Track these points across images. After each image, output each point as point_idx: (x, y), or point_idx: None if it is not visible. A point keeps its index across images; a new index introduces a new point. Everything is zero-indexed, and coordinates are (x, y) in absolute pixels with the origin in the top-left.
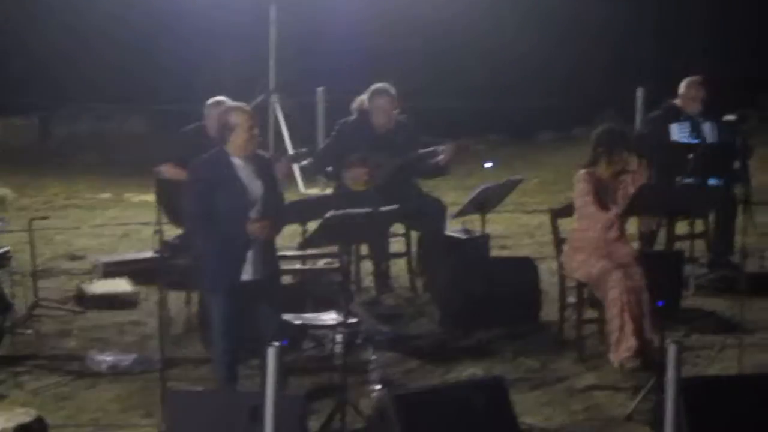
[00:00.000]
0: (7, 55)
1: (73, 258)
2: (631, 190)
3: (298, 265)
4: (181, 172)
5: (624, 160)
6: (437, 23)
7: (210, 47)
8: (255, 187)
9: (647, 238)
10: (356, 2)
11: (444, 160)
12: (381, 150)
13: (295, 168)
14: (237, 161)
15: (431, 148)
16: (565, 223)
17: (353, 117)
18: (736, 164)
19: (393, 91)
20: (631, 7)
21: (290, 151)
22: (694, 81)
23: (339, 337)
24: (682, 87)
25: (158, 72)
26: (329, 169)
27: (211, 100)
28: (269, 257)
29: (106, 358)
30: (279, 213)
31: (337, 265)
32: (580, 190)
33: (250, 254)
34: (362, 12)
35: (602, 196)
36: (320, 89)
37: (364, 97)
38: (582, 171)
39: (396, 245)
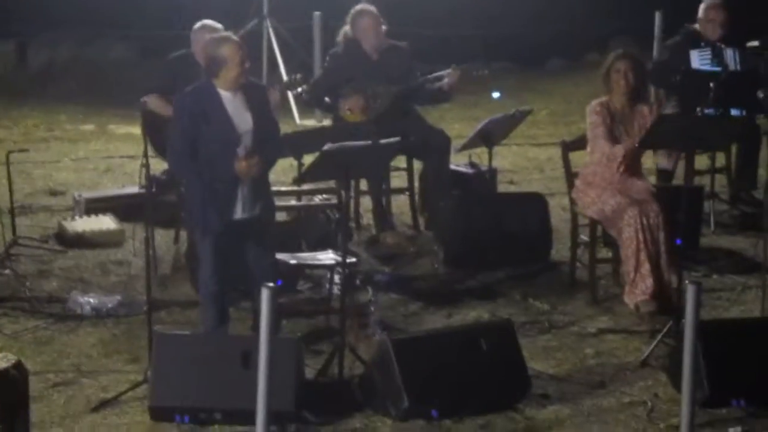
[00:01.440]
0: None
1: (54, 193)
2: (649, 120)
3: (293, 202)
4: (168, 104)
5: (629, 80)
6: None
7: None
8: (244, 120)
9: (665, 172)
10: None
11: (447, 85)
12: (377, 78)
13: (290, 97)
14: (225, 93)
15: (433, 74)
16: (577, 157)
17: (341, 47)
18: (760, 93)
19: (373, 9)
20: None
21: (284, 77)
22: (712, 3)
23: (337, 278)
24: (701, 10)
25: None
26: (327, 99)
27: (198, 25)
28: (261, 194)
29: (89, 300)
30: (272, 144)
31: (334, 201)
32: (590, 123)
33: (239, 191)
34: None
35: (618, 127)
36: (317, 13)
37: (346, 27)
38: (594, 102)
39: (397, 180)
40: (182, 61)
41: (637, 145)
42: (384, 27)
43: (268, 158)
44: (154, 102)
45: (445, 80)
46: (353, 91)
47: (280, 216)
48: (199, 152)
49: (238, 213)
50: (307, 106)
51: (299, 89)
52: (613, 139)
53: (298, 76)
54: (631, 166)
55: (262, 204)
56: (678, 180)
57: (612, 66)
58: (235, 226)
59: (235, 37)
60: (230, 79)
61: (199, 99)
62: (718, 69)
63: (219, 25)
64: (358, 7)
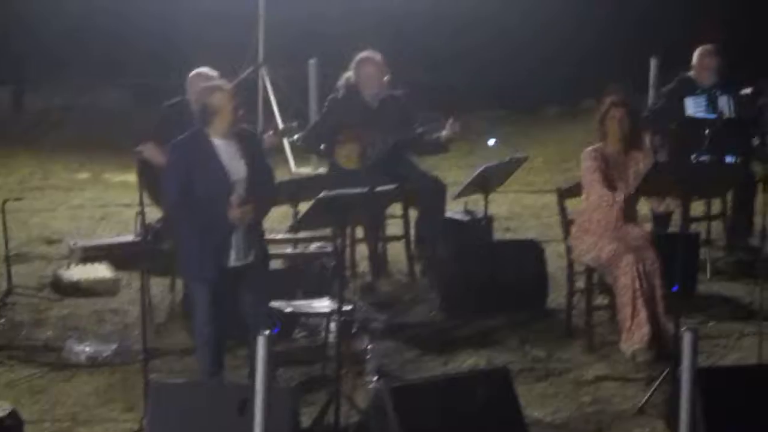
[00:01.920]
0: None
1: (49, 242)
2: (643, 167)
3: (288, 249)
4: (163, 152)
5: (633, 133)
6: None
7: (193, 16)
8: (237, 168)
9: (661, 219)
10: None
11: (445, 137)
12: (374, 126)
13: (286, 145)
14: (218, 141)
15: (431, 125)
16: (573, 204)
17: (342, 93)
18: (755, 140)
19: (379, 57)
20: None
21: (280, 125)
22: (706, 50)
23: (333, 326)
24: (695, 57)
25: (137, 43)
26: (322, 147)
27: (193, 72)
28: (255, 241)
29: (85, 349)
30: (266, 192)
31: (330, 248)
32: (586, 168)
33: (233, 239)
34: None
35: (612, 173)
36: (312, 60)
37: (348, 74)
38: (589, 148)
39: (393, 227)
40: (177, 109)
41: (632, 192)
42: (387, 77)
43: (261, 206)
44: (149, 151)
45: (444, 132)
46: (350, 138)
47: (276, 264)
48: (192, 200)
49: (232, 260)
50: (303, 150)
51: (295, 137)
52: (610, 184)
53: (294, 123)
54: (627, 213)
55: (256, 251)
56: (674, 227)
57: (607, 113)
58: (230, 274)
59: (227, 85)
60: (223, 127)
61: (193, 147)
62: (713, 116)
63: (214, 73)
64: (363, 54)
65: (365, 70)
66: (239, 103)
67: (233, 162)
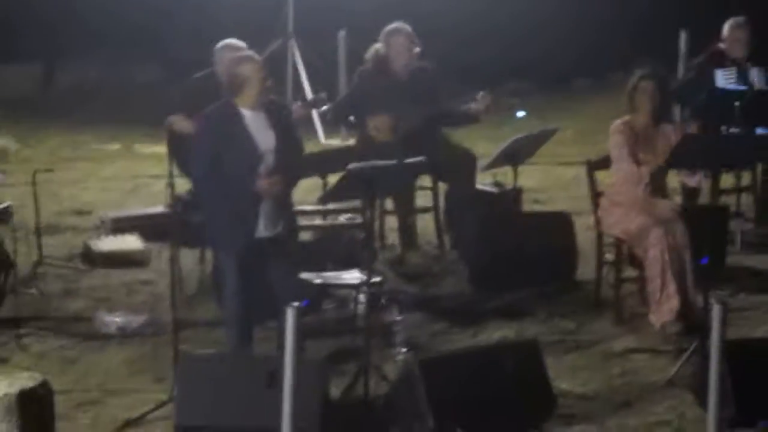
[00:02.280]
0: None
1: (80, 213)
2: (674, 140)
3: (318, 221)
4: (193, 123)
5: (663, 106)
6: None
7: None
8: (266, 139)
9: (690, 191)
10: None
11: (476, 110)
12: (404, 98)
13: (315, 116)
14: (246, 112)
15: (461, 98)
16: (602, 176)
17: (370, 65)
18: None
19: (408, 28)
20: None
21: (309, 97)
22: (737, 22)
23: (362, 297)
24: (726, 29)
25: (169, 17)
26: (351, 118)
27: (221, 44)
28: (285, 213)
29: (115, 320)
30: (295, 163)
31: (359, 220)
32: (614, 142)
33: (262, 210)
34: None
35: (641, 147)
36: (341, 32)
37: (378, 45)
38: (618, 121)
39: (422, 199)
40: (206, 81)
41: (662, 165)
42: (417, 48)
43: (290, 177)
44: (179, 122)
45: (473, 105)
46: (379, 111)
47: (305, 235)
48: (222, 171)
49: (261, 231)
50: (331, 124)
51: (323, 108)
52: (637, 159)
53: (323, 94)
54: (656, 186)
55: (285, 222)
56: (703, 199)
57: (637, 86)
58: (258, 245)
59: (256, 56)
60: (252, 97)
61: (222, 118)
62: (743, 88)
63: (242, 44)
64: (393, 25)
65: (396, 40)
66: (267, 74)
67: (262, 133)
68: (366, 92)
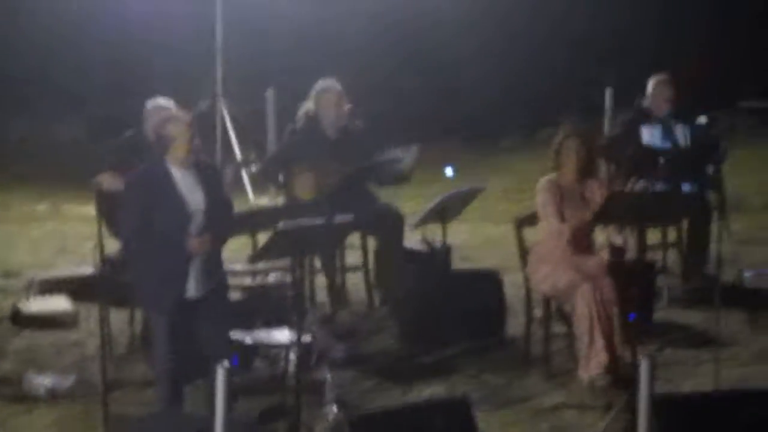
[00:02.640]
0: None
1: (8, 275)
2: (599, 196)
3: (248, 280)
4: (121, 181)
5: (589, 163)
6: (393, 21)
7: (145, 47)
8: (196, 198)
9: (617, 248)
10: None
11: (406, 167)
12: (333, 156)
13: (244, 175)
14: (176, 172)
15: (391, 156)
16: (530, 233)
17: (300, 124)
18: (710, 169)
19: (339, 86)
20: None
21: (239, 156)
22: (661, 79)
23: (292, 356)
24: (650, 86)
25: (94, 75)
26: (280, 178)
27: (150, 103)
28: (214, 272)
29: (44, 381)
30: (225, 222)
31: (289, 279)
32: (541, 200)
33: (192, 269)
34: (306, 13)
35: (568, 203)
36: (270, 91)
37: (309, 103)
38: (544, 179)
39: (352, 257)
40: (134, 140)
41: (589, 220)
42: (348, 106)
43: (220, 236)
44: (107, 180)
45: (403, 162)
46: (305, 169)
47: (235, 294)
48: (151, 231)
49: (191, 291)
50: (261, 181)
51: (253, 168)
52: (563, 215)
53: (252, 154)
54: (583, 242)
55: (215, 282)
56: (630, 255)
57: (562, 144)
58: (189, 305)
59: (183, 115)
60: (179, 156)
61: (151, 178)
62: (668, 145)
63: (171, 103)
64: (323, 82)
65: (325, 98)
66: (195, 133)
67: (192, 192)
68: (294, 150)
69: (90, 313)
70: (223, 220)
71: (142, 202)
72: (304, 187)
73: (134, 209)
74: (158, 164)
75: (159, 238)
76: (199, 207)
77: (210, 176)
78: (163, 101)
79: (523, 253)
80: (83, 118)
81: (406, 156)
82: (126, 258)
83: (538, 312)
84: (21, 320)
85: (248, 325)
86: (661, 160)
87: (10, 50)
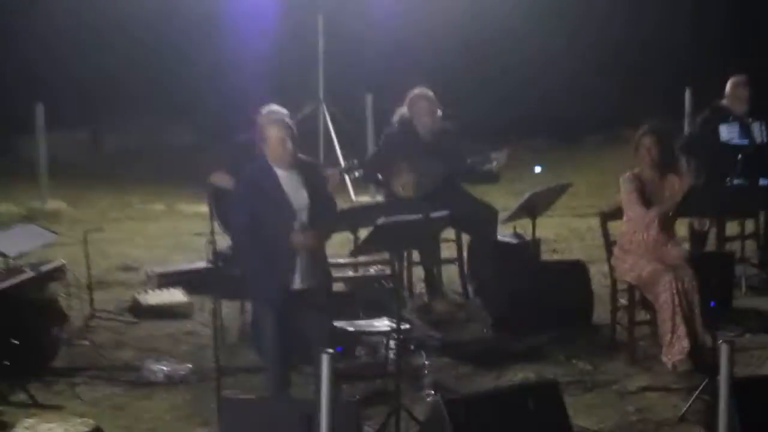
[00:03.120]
0: (58, 71)
1: (128, 269)
2: (678, 189)
3: (350, 273)
4: (232, 180)
5: (666, 158)
6: (480, 28)
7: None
8: (299, 197)
9: (697, 239)
10: (397, 10)
11: (496, 167)
12: (428, 157)
13: (346, 177)
14: (281, 171)
15: (482, 155)
16: (614, 226)
17: (396, 127)
18: None
19: (431, 93)
20: (674, 12)
21: (340, 156)
22: (739, 80)
23: (392, 344)
24: (728, 87)
25: (207, 84)
26: (379, 177)
27: (264, 109)
28: (318, 266)
29: (162, 368)
30: (327, 221)
31: (388, 271)
32: (624, 191)
33: (297, 264)
34: (403, 20)
35: (649, 197)
36: (369, 96)
37: (403, 109)
38: (627, 173)
39: (447, 251)
40: (246, 144)
41: (669, 211)
42: (439, 111)
43: (323, 232)
44: (220, 177)
45: (494, 162)
46: (405, 170)
47: (338, 286)
48: (259, 227)
49: (297, 283)
50: (360, 183)
51: (356, 173)
52: (647, 204)
53: (355, 161)
54: (666, 234)
55: (319, 275)
56: (710, 246)
57: (639, 141)
58: (294, 296)
59: (285, 119)
60: (272, 156)
61: (258, 177)
62: (745, 141)
63: (281, 109)
64: (417, 90)
65: (419, 105)
66: (292, 136)
67: (295, 191)
68: (391, 152)
69: (203, 305)
70: (327, 217)
71: (249, 199)
72: (403, 187)
73: (243, 206)
74: (265, 164)
75: (266, 234)
76: (302, 205)
77: (313, 175)
78: (276, 107)
79: (608, 244)
80: (197, 125)
81: (497, 158)
82: (235, 252)
83: (623, 300)
84: (140, 311)
85: (351, 315)
86: (739, 156)
87: (128, 65)
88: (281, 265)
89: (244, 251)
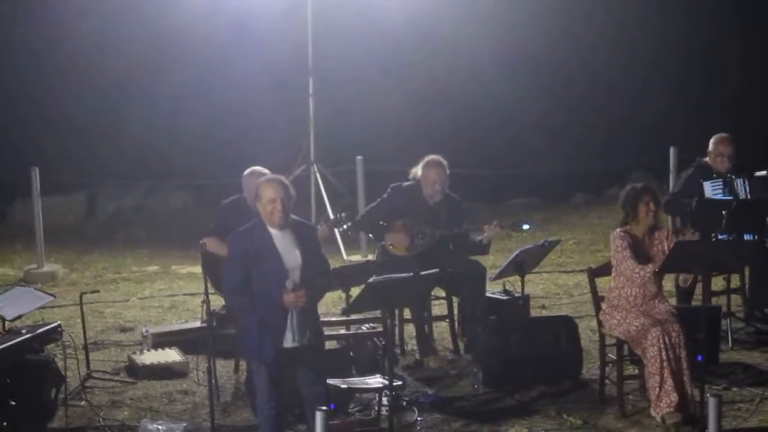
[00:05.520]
0: (53, 135)
1: (124, 330)
2: (666, 246)
3: (342, 331)
4: (225, 245)
5: (652, 213)
6: (465, 91)
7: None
8: (293, 256)
9: (684, 294)
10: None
11: (486, 238)
12: (426, 221)
13: (337, 235)
14: (274, 231)
15: (476, 226)
16: (602, 282)
17: (408, 182)
18: None
19: (444, 162)
20: (658, 71)
21: (331, 215)
22: (721, 138)
23: (384, 400)
24: (711, 145)
25: (197, 148)
26: (382, 223)
27: (248, 171)
28: (310, 324)
29: (158, 427)
30: (321, 278)
31: (380, 329)
32: (616, 247)
33: (290, 322)
34: (392, 85)
35: (638, 253)
36: (359, 158)
37: (417, 170)
38: (618, 230)
39: (438, 308)
40: (234, 206)
41: (657, 270)
42: (447, 181)
43: (315, 291)
44: (212, 243)
45: (484, 234)
46: (401, 228)
47: (331, 344)
48: (251, 286)
49: (289, 342)
50: (358, 229)
51: (344, 226)
52: (639, 260)
53: (343, 214)
54: (653, 290)
55: (311, 333)
56: (696, 301)
57: (640, 199)
58: (287, 354)
59: (275, 178)
60: (264, 215)
61: (252, 237)
62: (729, 197)
63: (266, 171)
64: (433, 157)
65: (430, 172)
66: (286, 196)
67: (289, 251)
68: (395, 205)
69: (198, 364)
70: (320, 277)
71: (243, 258)
72: (394, 244)
73: (236, 264)
74: (258, 224)
75: (259, 292)
76: (295, 264)
77: (305, 235)
78: (258, 168)
79: (597, 300)
80: (189, 188)
81: (488, 231)
82: (228, 311)
83: (611, 355)
84: (136, 371)
85: (343, 373)
86: (723, 212)
87: (120, 132)
88: (274, 324)
89: (236, 309)
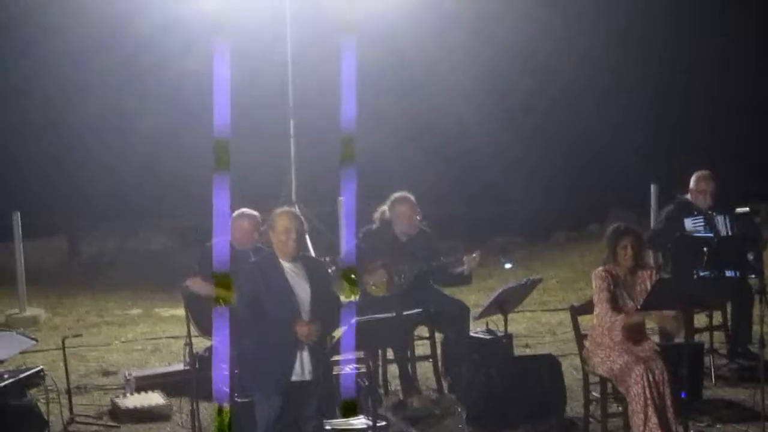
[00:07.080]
0: (34, 179)
1: (106, 373)
2: (648, 284)
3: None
4: (208, 285)
5: (634, 253)
6: (444, 133)
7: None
8: (302, 288)
9: (667, 331)
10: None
11: (467, 269)
12: (403, 258)
13: None
14: (286, 264)
15: (454, 257)
16: (585, 320)
17: (376, 225)
18: (750, 255)
19: (412, 198)
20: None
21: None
22: (702, 175)
23: None
24: (692, 182)
25: (179, 188)
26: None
27: (236, 213)
28: (319, 358)
29: None
30: (333, 316)
31: (363, 369)
32: (595, 288)
33: (299, 354)
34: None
35: (621, 292)
36: (340, 198)
37: (384, 208)
38: (599, 269)
39: (421, 348)
40: (224, 247)
41: (638, 308)
42: (418, 216)
43: (326, 325)
44: (196, 284)
45: (464, 267)
46: (379, 269)
47: None
48: (262, 318)
49: (297, 375)
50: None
51: (329, 270)
52: (616, 304)
53: (327, 259)
54: (636, 328)
55: (317, 368)
56: (679, 338)
57: (618, 242)
58: (293, 388)
59: (290, 210)
60: (279, 245)
61: (263, 268)
62: (710, 234)
63: (256, 213)
64: (399, 194)
65: (399, 208)
66: (299, 229)
67: (299, 283)
68: (368, 250)
69: (182, 407)
70: (330, 312)
71: (254, 284)
72: (375, 285)
73: (247, 287)
74: (270, 256)
75: (270, 324)
76: (305, 297)
77: (316, 270)
78: (247, 210)
79: (580, 338)
80: (170, 230)
81: (468, 261)
82: (233, 346)
83: (595, 393)
84: (119, 415)
85: (328, 413)
86: (704, 249)
87: (101, 174)
88: (283, 356)
89: (246, 342)
